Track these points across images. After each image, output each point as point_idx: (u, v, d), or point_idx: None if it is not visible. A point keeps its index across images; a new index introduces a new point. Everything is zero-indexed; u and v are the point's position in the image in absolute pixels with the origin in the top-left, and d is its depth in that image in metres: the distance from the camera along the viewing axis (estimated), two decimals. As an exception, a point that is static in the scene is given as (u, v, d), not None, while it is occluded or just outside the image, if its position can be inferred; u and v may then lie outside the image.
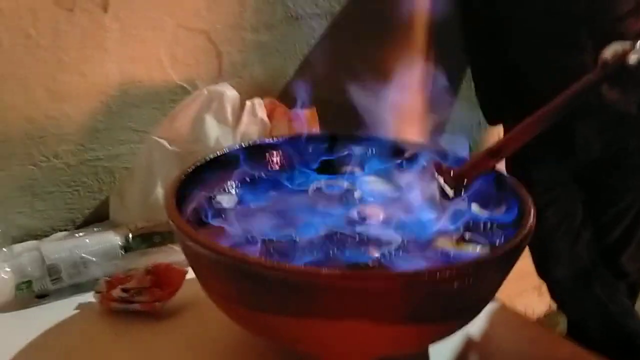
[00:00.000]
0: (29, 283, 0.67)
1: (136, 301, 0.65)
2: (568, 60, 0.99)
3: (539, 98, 0.91)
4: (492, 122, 1.16)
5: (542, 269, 1.19)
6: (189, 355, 0.62)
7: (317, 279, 0.46)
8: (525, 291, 1.50)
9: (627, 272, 1.16)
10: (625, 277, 1.17)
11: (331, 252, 0.54)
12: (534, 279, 1.27)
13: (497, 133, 1.17)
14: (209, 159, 0.65)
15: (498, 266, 0.51)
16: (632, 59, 0.65)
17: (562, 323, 1.41)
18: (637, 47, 0.66)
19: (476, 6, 1.09)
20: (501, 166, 1.12)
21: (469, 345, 0.63)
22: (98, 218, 0.84)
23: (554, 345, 0.66)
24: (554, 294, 1.22)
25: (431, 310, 0.49)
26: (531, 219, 0.55)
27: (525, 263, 1.25)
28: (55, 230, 0.83)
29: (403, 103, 1.14)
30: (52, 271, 0.68)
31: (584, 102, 0.86)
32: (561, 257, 1.15)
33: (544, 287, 1.25)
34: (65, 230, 0.84)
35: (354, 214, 0.62)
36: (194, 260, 0.53)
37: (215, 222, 0.59)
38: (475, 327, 0.65)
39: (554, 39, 1.01)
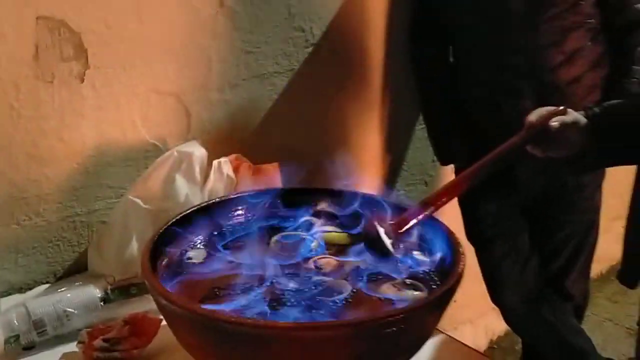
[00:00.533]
0: (16, 337, 0.74)
1: (116, 350, 0.72)
2: (511, 104, 1.09)
3: (485, 139, 1.01)
4: (444, 162, 1.25)
5: (494, 296, 1.28)
6: (165, 398, 0.69)
7: (271, 330, 0.54)
8: (485, 313, 1.57)
9: (572, 295, 1.26)
10: (572, 300, 1.27)
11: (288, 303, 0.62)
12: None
13: (450, 169, 1.26)
14: (178, 218, 0.72)
15: (434, 308, 0.59)
16: (553, 123, 0.74)
17: (519, 342, 1.50)
18: (559, 111, 0.75)
19: (428, 54, 1.19)
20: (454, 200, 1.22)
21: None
22: (77, 269, 0.91)
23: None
24: (506, 318, 1.30)
25: (376, 353, 0.56)
26: (461, 266, 0.63)
27: (484, 287, 1.34)
28: (37, 282, 0.88)
29: (362, 146, 1.24)
30: (38, 325, 0.74)
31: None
32: (510, 284, 1.24)
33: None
34: (47, 282, 0.90)
35: (310, 264, 0.70)
36: (167, 315, 0.60)
37: (186, 277, 0.66)
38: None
39: (499, 86, 1.11)
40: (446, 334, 0.80)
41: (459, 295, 0.79)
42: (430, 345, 0.76)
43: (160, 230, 0.69)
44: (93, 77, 0.86)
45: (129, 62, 0.90)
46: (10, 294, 0.86)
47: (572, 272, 1.23)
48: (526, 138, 0.73)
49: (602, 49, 1.09)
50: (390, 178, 1.29)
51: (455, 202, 1.21)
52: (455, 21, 1.12)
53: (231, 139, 1.00)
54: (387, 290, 0.65)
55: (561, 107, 0.74)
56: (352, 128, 1.20)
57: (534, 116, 0.75)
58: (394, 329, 0.55)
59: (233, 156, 0.92)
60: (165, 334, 0.73)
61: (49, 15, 0.81)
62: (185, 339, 0.61)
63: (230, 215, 0.78)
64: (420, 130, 1.32)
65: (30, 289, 0.87)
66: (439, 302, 0.60)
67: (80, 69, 0.85)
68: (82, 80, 0.86)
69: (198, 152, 0.87)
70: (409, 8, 1.18)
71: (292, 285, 0.65)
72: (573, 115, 0.72)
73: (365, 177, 0.87)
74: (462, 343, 0.81)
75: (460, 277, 0.63)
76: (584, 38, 1.07)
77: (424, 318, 0.59)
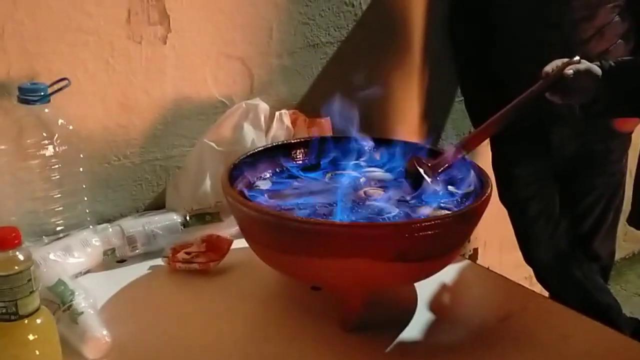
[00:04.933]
0: (112, 250, 0.88)
1: (196, 262, 0.86)
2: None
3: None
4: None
5: (528, 255, 1.39)
6: (236, 301, 0.82)
7: (333, 227, 0.67)
8: (518, 282, 1.67)
9: (600, 255, 1.36)
10: (599, 260, 1.36)
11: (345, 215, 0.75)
12: (525, 270, 1.46)
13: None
14: (249, 154, 0.86)
15: (461, 220, 0.71)
16: (568, 71, 0.85)
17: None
18: (573, 61, 0.86)
19: (467, 30, 1.30)
20: (488, 163, 1.32)
21: (444, 289, 0.83)
22: (157, 207, 1.05)
23: (508, 290, 0.85)
24: (538, 276, 1.40)
25: (414, 252, 0.69)
26: (488, 191, 0.75)
27: (517, 257, 1.44)
28: (122, 216, 1.03)
29: (401, 113, 1.35)
30: (130, 241, 0.89)
31: (559, 112, 1.07)
32: (543, 243, 1.35)
33: (534, 279, 1.44)
34: (128, 217, 1.04)
35: (361, 193, 0.83)
36: (244, 220, 0.74)
37: (256, 199, 0.80)
38: (449, 278, 0.85)
39: (532, 58, 1.21)
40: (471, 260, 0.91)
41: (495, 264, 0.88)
42: (458, 269, 0.88)
43: (236, 161, 0.83)
44: (173, 39, 1.00)
45: (203, 28, 1.03)
46: (100, 224, 1.00)
47: (600, 234, 1.33)
48: (544, 86, 0.84)
49: (629, 24, 1.19)
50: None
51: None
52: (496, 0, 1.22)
53: (287, 99, 1.14)
54: (426, 212, 0.77)
55: (576, 58, 0.85)
56: (393, 96, 1.32)
57: (550, 67, 0.86)
58: (429, 232, 0.67)
59: (291, 111, 1.05)
60: (233, 254, 0.88)
61: (140, -16, 0.96)
62: (256, 237, 0.74)
63: (291, 156, 0.92)
64: (458, 103, 1.43)
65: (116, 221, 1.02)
66: (465, 215, 0.72)
67: (163, 32, 1.00)
68: (165, 42, 1.00)
69: (262, 105, 1.01)
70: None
71: (348, 205, 0.78)
72: (586, 64, 0.83)
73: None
74: (484, 267, 0.92)
75: (488, 198, 0.75)
76: (611, 13, 1.17)
77: (453, 227, 0.71)
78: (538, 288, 1.41)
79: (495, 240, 1.62)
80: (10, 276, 0.55)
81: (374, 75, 1.26)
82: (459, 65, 1.35)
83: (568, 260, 1.35)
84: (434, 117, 1.40)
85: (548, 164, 1.31)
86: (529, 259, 1.38)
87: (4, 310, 0.55)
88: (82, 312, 0.69)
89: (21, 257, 0.56)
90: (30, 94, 0.82)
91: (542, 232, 1.34)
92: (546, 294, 1.38)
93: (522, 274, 1.53)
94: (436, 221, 0.68)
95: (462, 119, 1.41)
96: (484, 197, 0.74)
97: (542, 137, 1.27)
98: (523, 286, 0.85)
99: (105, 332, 0.69)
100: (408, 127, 1.37)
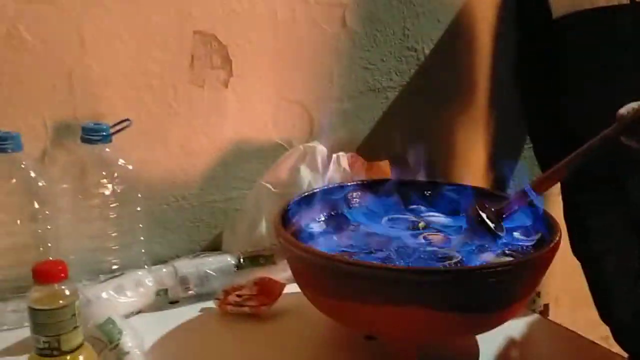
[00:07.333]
0: (165, 291, 0.88)
1: (247, 305, 0.84)
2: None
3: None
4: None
5: (605, 313, 1.28)
6: (286, 348, 0.79)
7: (390, 272, 0.63)
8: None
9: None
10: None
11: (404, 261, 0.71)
12: (602, 330, 1.35)
13: (555, 187, 1.30)
14: (304, 195, 0.84)
15: (525, 268, 0.66)
16: (646, 113, 0.79)
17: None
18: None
19: (535, 89, 1.25)
20: (559, 214, 1.25)
21: (510, 345, 0.76)
22: (212, 249, 1.05)
23: (585, 350, 0.78)
24: (616, 335, 1.29)
25: (472, 301, 0.64)
26: (557, 237, 0.70)
27: (593, 315, 1.34)
28: (178, 257, 1.03)
29: (467, 161, 1.31)
30: (183, 282, 0.88)
31: (636, 158, 1.00)
32: (621, 299, 1.24)
33: (611, 339, 1.33)
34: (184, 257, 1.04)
35: (420, 239, 0.79)
36: (296, 262, 0.71)
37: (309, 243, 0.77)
38: (516, 334, 0.79)
39: (609, 108, 1.15)
40: (542, 316, 0.85)
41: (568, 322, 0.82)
42: (527, 324, 0.82)
43: (290, 202, 0.81)
44: (235, 83, 1.02)
45: (264, 73, 1.05)
46: (155, 265, 1.00)
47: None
48: (618, 129, 0.79)
49: None
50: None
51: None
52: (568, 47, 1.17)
53: (347, 143, 1.12)
54: (488, 258, 0.72)
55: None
56: (457, 141, 1.28)
57: (625, 109, 0.80)
58: (489, 279, 0.63)
59: (349, 154, 1.03)
60: (286, 298, 0.85)
61: (203, 30, 0.98)
62: (309, 282, 0.71)
63: (347, 199, 0.89)
64: (527, 150, 1.37)
65: (173, 262, 1.02)
66: (529, 263, 0.66)
67: (225, 77, 1.01)
68: (227, 86, 1.01)
69: (320, 147, 0.99)
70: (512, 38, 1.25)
71: (408, 250, 0.74)
72: None
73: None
74: (556, 323, 0.85)
75: (556, 246, 0.69)
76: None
77: (517, 276, 0.66)
78: (617, 349, 1.30)
79: (569, 297, 1.52)
80: (55, 310, 0.54)
81: (436, 121, 1.23)
82: (528, 111, 1.30)
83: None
84: (500, 164, 1.35)
85: (625, 214, 1.22)
86: (606, 317, 1.28)
87: (47, 345, 0.54)
88: (128, 352, 0.68)
89: (66, 292, 0.55)
90: (93, 134, 0.85)
91: (619, 287, 1.23)
92: (625, 355, 1.27)
93: (599, 333, 1.41)
94: (497, 268, 0.63)
95: (531, 166, 1.35)
96: (552, 244, 0.69)
97: (617, 186, 1.19)
98: (600, 345, 0.77)
99: (150, 374, 0.67)
100: (474, 174, 1.32)
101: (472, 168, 1.32)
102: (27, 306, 0.54)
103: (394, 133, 1.16)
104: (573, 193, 1.24)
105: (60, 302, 0.54)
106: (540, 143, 1.29)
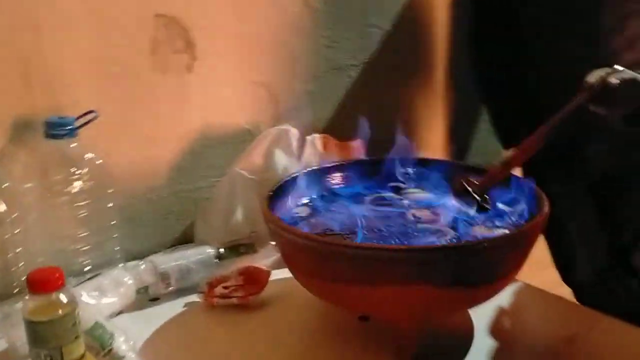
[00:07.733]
0: (145, 288, 0.84)
1: (234, 296, 0.81)
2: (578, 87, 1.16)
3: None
4: (507, 147, 1.32)
5: (566, 275, 1.33)
6: (277, 336, 0.77)
7: (384, 251, 0.62)
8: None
9: (638, 269, 1.30)
10: (636, 276, 1.31)
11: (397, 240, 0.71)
12: (565, 290, 1.40)
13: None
14: (286, 180, 0.82)
15: (525, 237, 0.67)
16: (613, 80, 0.82)
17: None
18: (617, 70, 0.83)
19: (489, 52, 1.27)
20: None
21: (501, 314, 0.78)
22: (184, 241, 1.01)
23: (568, 311, 0.80)
24: (577, 296, 1.35)
25: (474, 275, 0.64)
26: (546, 209, 0.71)
27: (555, 276, 1.39)
28: (150, 252, 0.99)
29: (427, 132, 1.32)
30: (164, 277, 0.84)
31: (595, 125, 1.02)
32: (581, 262, 1.29)
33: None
34: (156, 252, 1.00)
35: (409, 215, 0.79)
36: (289, 247, 0.70)
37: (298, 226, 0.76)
38: (505, 301, 0.80)
39: (564, 72, 1.18)
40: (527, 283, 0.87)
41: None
42: (512, 292, 0.83)
43: (274, 188, 0.79)
44: (199, 67, 0.98)
45: (228, 56, 1.01)
46: (129, 262, 0.96)
47: (638, 248, 1.28)
48: (588, 97, 0.81)
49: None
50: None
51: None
52: (520, 14, 1.19)
53: (315, 124, 1.10)
54: (480, 231, 0.73)
55: (617, 67, 0.81)
56: (418, 115, 1.29)
57: (592, 77, 0.83)
58: (491, 252, 0.63)
59: (322, 135, 1.02)
60: (272, 285, 0.83)
61: (164, 13, 0.93)
62: (300, 265, 0.69)
63: (328, 181, 0.88)
64: (484, 122, 1.39)
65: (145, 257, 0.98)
66: (530, 232, 0.67)
67: (189, 61, 0.97)
68: (191, 71, 0.97)
69: (293, 130, 0.97)
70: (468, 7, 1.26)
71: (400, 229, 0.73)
72: (631, 73, 0.80)
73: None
74: (540, 289, 0.87)
75: (545, 216, 0.71)
76: (641, 23, 1.14)
77: (515, 246, 0.67)
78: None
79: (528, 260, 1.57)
80: (54, 321, 0.50)
81: (398, 96, 1.23)
82: (484, 84, 1.32)
83: (607, 278, 1.29)
84: (459, 137, 1.37)
85: (584, 179, 1.27)
86: (568, 280, 1.33)
87: (48, 359, 0.51)
88: (123, 357, 0.64)
89: (64, 300, 0.51)
90: (58, 128, 0.79)
91: (580, 250, 1.29)
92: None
93: (562, 293, 1.48)
94: (499, 240, 0.64)
95: (487, 136, 1.37)
96: (544, 212, 0.70)
97: (576, 153, 1.23)
98: (585, 307, 0.80)
99: (148, 377, 0.64)
100: (434, 147, 1.33)
101: (433, 140, 1.33)
102: (24, 319, 0.50)
103: (358, 112, 1.15)
104: (531, 164, 1.27)
105: (60, 311, 0.51)
106: (498, 114, 1.32)
